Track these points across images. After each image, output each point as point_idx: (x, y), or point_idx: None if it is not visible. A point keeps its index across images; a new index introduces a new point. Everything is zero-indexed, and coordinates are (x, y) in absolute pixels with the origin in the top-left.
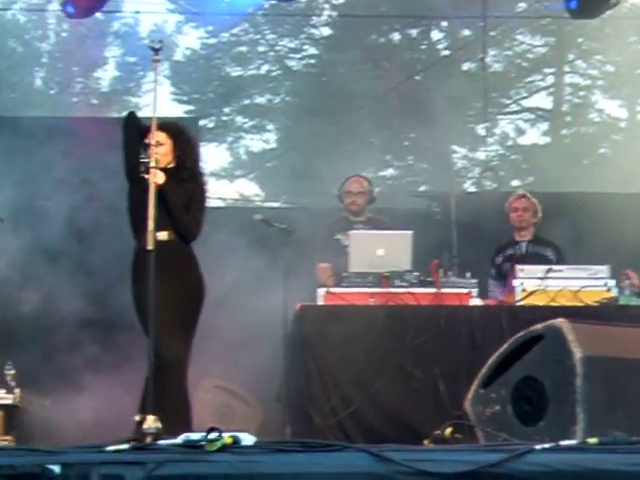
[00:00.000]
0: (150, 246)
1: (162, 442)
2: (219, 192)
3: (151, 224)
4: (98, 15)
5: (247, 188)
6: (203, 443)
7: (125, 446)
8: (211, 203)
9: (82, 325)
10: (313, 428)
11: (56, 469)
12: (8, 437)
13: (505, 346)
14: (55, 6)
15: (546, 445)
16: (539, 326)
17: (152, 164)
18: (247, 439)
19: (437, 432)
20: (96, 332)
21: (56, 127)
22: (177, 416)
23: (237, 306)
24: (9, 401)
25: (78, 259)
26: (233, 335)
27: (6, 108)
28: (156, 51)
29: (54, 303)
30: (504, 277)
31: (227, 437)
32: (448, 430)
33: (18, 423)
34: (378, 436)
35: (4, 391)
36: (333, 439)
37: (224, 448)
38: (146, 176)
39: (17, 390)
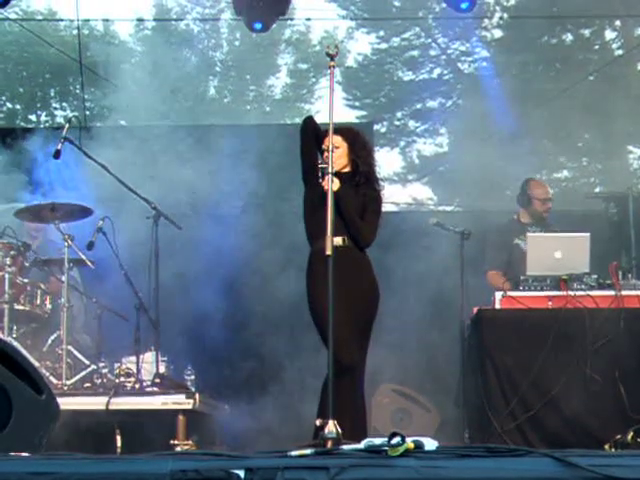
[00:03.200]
0: (329, 251)
1: (345, 447)
2: (392, 196)
3: (329, 230)
4: None
5: (420, 192)
6: (386, 448)
7: (309, 451)
8: (385, 208)
9: (261, 330)
10: (492, 432)
11: (241, 474)
12: (189, 442)
13: None
14: (228, 15)
15: None
16: None
17: (330, 170)
18: (429, 444)
19: (619, 437)
20: (274, 338)
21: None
22: (353, 421)
23: (414, 310)
24: (189, 406)
25: (260, 266)
26: (410, 339)
27: (181, 117)
28: (332, 57)
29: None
30: None
31: (410, 442)
32: (630, 435)
33: (198, 428)
34: (557, 441)
35: (184, 396)
36: (512, 443)
37: (407, 453)
38: (322, 182)
39: (197, 395)
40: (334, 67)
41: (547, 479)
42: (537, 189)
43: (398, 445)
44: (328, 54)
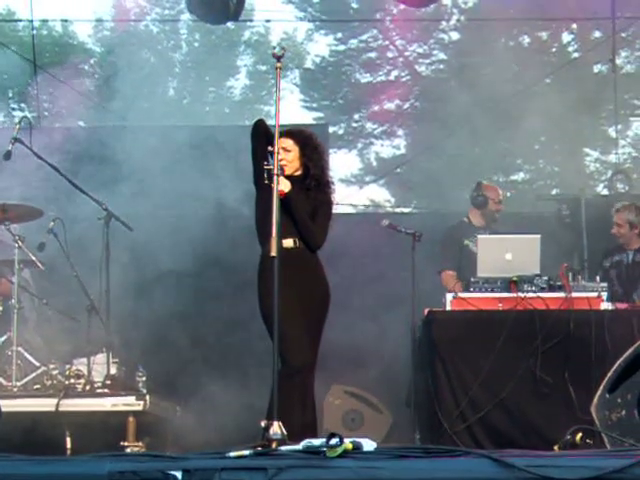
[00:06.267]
0: (274, 253)
1: (283, 448)
2: (350, 198)
3: (275, 231)
4: (229, 24)
5: (378, 194)
6: (324, 449)
7: (247, 452)
8: (342, 209)
9: (213, 332)
10: (442, 433)
11: (178, 475)
12: (139, 444)
13: (631, 350)
14: (187, 16)
15: None
16: None
17: (276, 172)
18: (368, 445)
19: (567, 437)
20: (226, 339)
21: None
22: (303, 422)
23: (365, 311)
24: (139, 408)
25: (215, 267)
26: (362, 341)
27: (140, 118)
28: (278, 59)
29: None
30: (610, 282)
31: (348, 443)
32: (578, 435)
33: (149, 430)
34: (507, 441)
35: (134, 398)
36: (462, 444)
37: (345, 454)
38: (272, 184)
39: (148, 397)
40: (281, 69)
41: (483, 479)
42: (492, 191)
43: (336, 446)
44: (274, 55)
